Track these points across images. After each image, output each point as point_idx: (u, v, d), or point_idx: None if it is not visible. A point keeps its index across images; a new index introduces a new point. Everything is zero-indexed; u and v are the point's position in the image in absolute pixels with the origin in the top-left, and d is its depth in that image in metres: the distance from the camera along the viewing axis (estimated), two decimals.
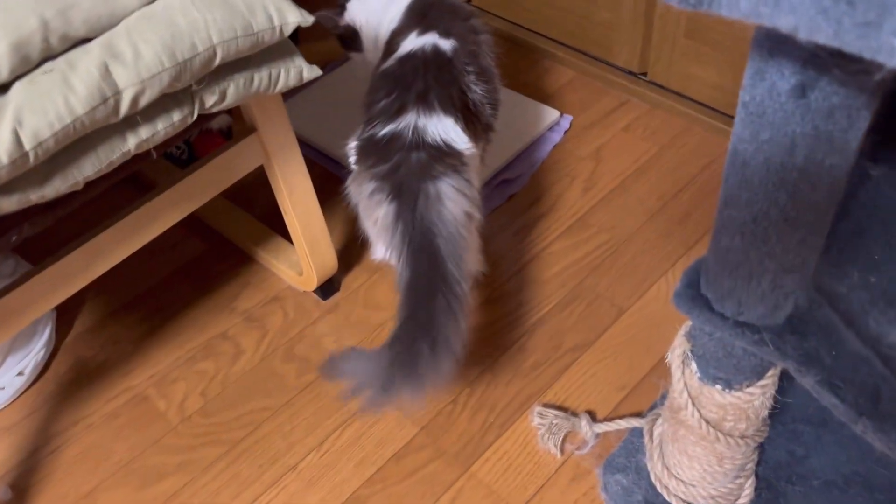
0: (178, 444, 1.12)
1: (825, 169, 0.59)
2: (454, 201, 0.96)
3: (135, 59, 0.74)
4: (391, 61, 1.08)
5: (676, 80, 1.51)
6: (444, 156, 0.97)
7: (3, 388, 1.17)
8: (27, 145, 0.70)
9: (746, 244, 0.66)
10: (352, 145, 1.05)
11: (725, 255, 0.68)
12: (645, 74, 1.57)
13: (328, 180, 1.48)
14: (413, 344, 0.89)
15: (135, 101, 0.75)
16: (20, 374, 1.19)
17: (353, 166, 1.04)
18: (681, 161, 1.46)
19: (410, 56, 1.06)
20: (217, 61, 0.80)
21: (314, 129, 1.55)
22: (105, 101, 0.73)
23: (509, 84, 1.63)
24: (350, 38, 1.27)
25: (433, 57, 1.06)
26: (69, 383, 1.21)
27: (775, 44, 0.54)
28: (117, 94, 0.74)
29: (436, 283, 0.91)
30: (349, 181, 1.04)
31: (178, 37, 0.76)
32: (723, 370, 0.79)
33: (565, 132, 1.54)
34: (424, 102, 1.00)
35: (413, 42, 1.09)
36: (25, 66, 0.71)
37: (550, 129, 1.54)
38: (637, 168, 1.46)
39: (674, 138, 1.50)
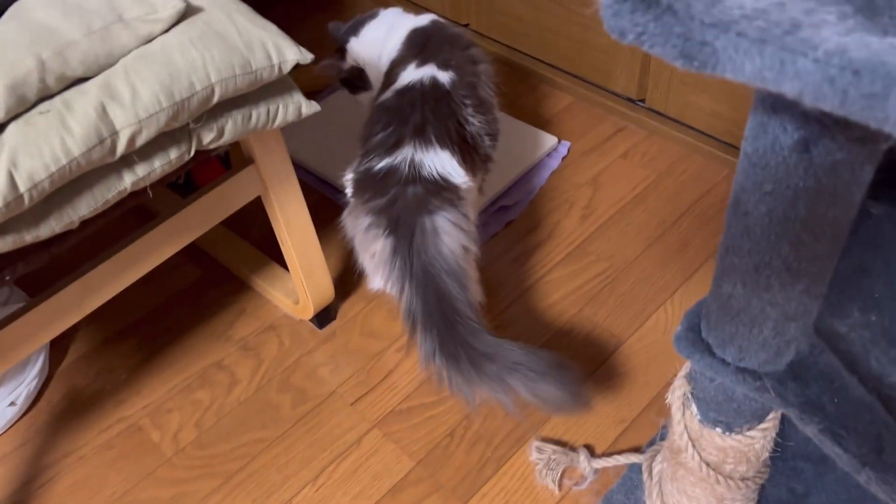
0: (172, 476, 1.11)
1: (828, 221, 0.58)
2: (451, 235, 0.95)
3: (132, 99, 0.74)
4: (389, 93, 1.08)
5: (675, 106, 1.52)
6: (441, 190, 0.97)
7: None
8: (22, 187, 0.69)
9: (748, 292, 0.65)
10: (348, 177, 1.05)
11: (727, 302, 0.68)
12: (643, 101, 1.57)
13: (325, 206, 1.47)
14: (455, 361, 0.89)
15: (132, 140, 0.75)
16: (12, 404, 1.17)
17: (350, 199, 1.04)
18: (679, 188, 1.45)
19: (409, 88, 1.06)
20: (215, 99, 0.80)
21: (311, 154, 1.55)
22: (102, 141, 0.73)
23: (507, 109, 1.63)
24: (357, 79, 1.27)
25: (431, 90, 1.05)
26: (62, 413, 1.20)
27: (779, 98, 0.53)
28: (114, 134, 0.73)
29: (451, 317, 0.91)
30: (345, 214, 1.04)
31: (176, 76, 0.76)
32: (723, 413, 0.78)
33: (563, 158, 1.54)
34: (421, 136, 1.00)
35: (412, 74, 1.09)
36: (22, 107, 0.71)
37: (548, 155, 1.54)
38: (635, 195, 1.45)
39: (672, 165, 1.50)
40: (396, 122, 1.02)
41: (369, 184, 0.99)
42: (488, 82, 1.17)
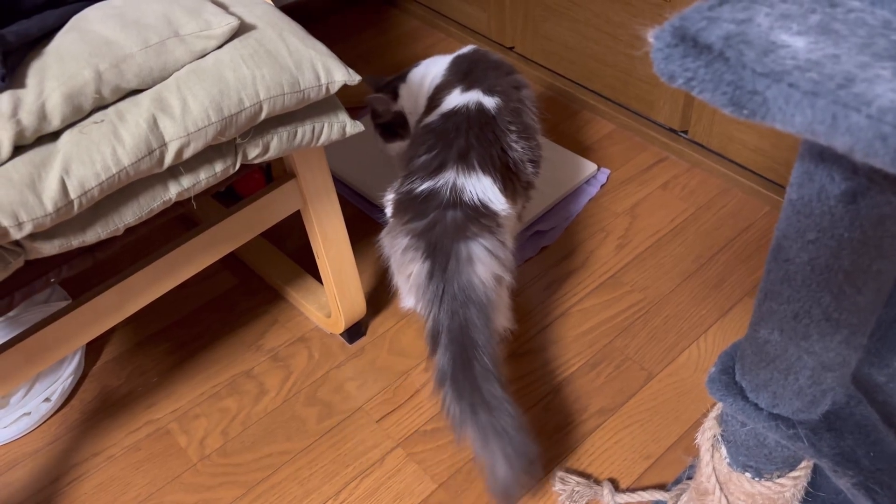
0: (196, 482, 1.12)
1: (872, 273, 0.57)
2: (485, 264, 0.95)
3: (183, 112, 0.75)
4: (434, 116, 1.09)
5: (717, 140, 1.50)
6: (480, 216, 0.97)
7: (30, 414, 1.18)
8: (73, 194, 0.71)
9: (786, 339, 0.64)
10: (388, 197, 1.06)
11: (763, 347, 0.67)
12: (686, 132, 1.56)
13: (362, 221, 1.49)
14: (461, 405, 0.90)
15: (179, 153, 0.76)
16: (47, 400, 1.20)
17: (389, 219, 1.05)
18: (718, 223, 1.44)
19: (454, 112, 1.07)
20: (262, 116, 0.81)
21: (350, 169, 1.56)
22: (151, 152, 0.74)
23: (548, 135, 1.63)
24: (399, 126, 1.29)
25: (477, 115, 1.06)
26: (93, 412, 1.22)
27: (827, 149, 0.53)
28: (163, 146, 0.75)
29: (469, 349, 0.91)
30: (384, 233, 1.04)
31: (226, 92, 0.77)
32: (754, 458, 0.77)
33: (602, 186, 1.53)
34: (465, 161, 1.00)
35: (457, 98, 1.10)
36: (77, 116, 0.73)
37: (587, 181, 1.53)
38: (673, 227, 1.44)
39: (712, 199, 1.49)
40: (441, 146, 1.03)
41: (410, 206, 1.00)
42: (532, 108, 1.18)
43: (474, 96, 1.09)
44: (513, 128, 1.08)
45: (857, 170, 0.52)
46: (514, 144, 1.07)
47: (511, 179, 1.05)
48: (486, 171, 1.00)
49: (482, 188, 0.99)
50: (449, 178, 0.99)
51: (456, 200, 0.97)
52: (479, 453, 0.90)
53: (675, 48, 0.46)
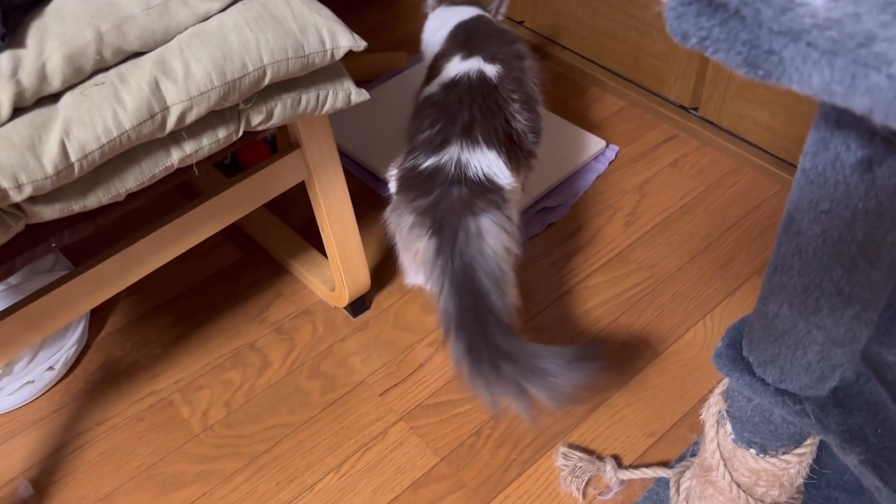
0: (198, 453, 1.12)
1: (886, 246, 0.56)
2: (495, 238, 0.94)
3: (185, 76, 0.74)
4: (434, 86, 1.07)
5: (728, 117, 1.48)
6: (486, 191, 0.96)
7: (33, 382, 1.18)
8: (73, 157, 0.70)
9: (795, 313, 0.63)
10: (392, 173, 1.04)
11: (772, 322, 0.66)
12: (696, 109, 1.54)
13: (367, 195, 1.48)
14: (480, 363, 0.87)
15: (182, 117, 0.75)
16: (50, 368, 1.20)
17: (394, 196, 1.03)
18: (728, 202, 1.42)
19: (455, 83, 1.05)
20: (266, 81, 0.80)
21: (357, 143, 1.55)
22: (153, 116, 0.73)
23: (556, 110, 1.61)
24: None
25: (479, 84, 1.04)
26: (97, 382, 1.22)
27: (843, 114, 0.51)
28: (165, 110, 0.74)
29: (485, 317, 0.90)
30: (389, 211, 1.03)
31: (230, 56, 0.76)
32: (759, 435, 0.76)
33: (610, 163, 1.51)
34: (469, 135, 0.99)
35: (457, 67, 1.08)
36: (78, 78, 0.72)
37: (595, 158, 1.52)
38: (682, 206, 1.43)
39: (722, 178, 1.47)
40: (444, 120, 1.01)
41: (414, 182, 0.98)
42: (534, 78, 1.16)
43: (475, 64, 1.07)
44: (515, 97, 1.06)
45: (875, 137, 0.51)
46: (517, 115, 1.06)
47: (515, 151, 1.04)
48: (490, 144, 0.99)
49: (487, 162, 0.97)
50: (453, 153, 0.97)
51: (461, 176, 0.96)
52: (522, 406, 0.87)
53: (689, 6, 0.44)
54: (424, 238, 0.94)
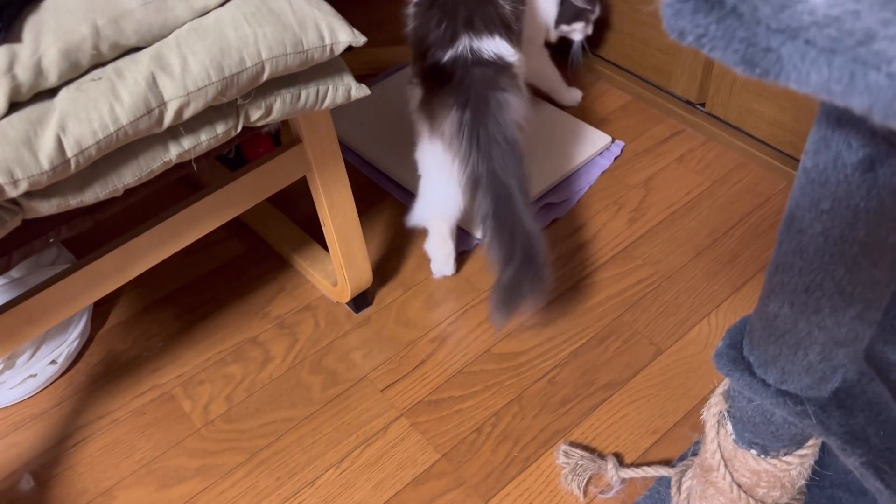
0: (199, 447, 1.12)
1: (888, 245, 0.55)
2: (515, 111, 1.09)
3: (182, 71, 0.74)
4: None
5: (735, 113, 1.47)
6: (503, 71, 1.11)
7: (35, 376, 1.19)
8: (69, 152, 0.69)
9: (796, 313, 0.62)
10: (415, 81, 1.16)
11: (773, 321, 0.65)
12: (703, 105, 1.53)
13: (370, 190, 1.47)
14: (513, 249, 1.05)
15: (179, 112, 0.75)
16: (53, 362, 1.20)
17: (419, 91, 1.15)
18: (734, 198, 1.41)
19: None
20: (265, 77, 0.79)
21: (360, 137, 1.55)
22: (150, 111, 0.73)
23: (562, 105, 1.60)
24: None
25: None
26: (99, 375, 1.23)
27: (845, 113, 0.50)
28: (162, 105, 0.74)
29: (509, 184, 1.06)
30: (416, 105, 1.16)
31: (227, 51, 0.75)
32: (760, 435, 0.75)
33: (616, 158, 1.50)
34: (472, 26, 1.11)
35: None
36: (74, 72, 0.71)
37: (601, 153, 1.51)
38: (688, 201, 1.41)
39: (728, 173, 1.46)
40: (447, 18, 1.11)
41: (440, 72, 1.10)
42: None
43: None
44: None
45: (876, 136, 0.50)
46: (501, 2, 1.15)
47: (511, 31, 1.15)
48: (492, 30, 1.11)
49: (495, 45, 1.11)
50: (465, 42, 1.10)
51: (478, 59, 1.09)
52: (516, 271, 1.05)
53: (686, 3, 0.43)
54: (454, 111, 1.08)
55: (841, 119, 0.50)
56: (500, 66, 1.10)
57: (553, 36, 1.52)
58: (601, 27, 1.61)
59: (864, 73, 0.38)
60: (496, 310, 1.07)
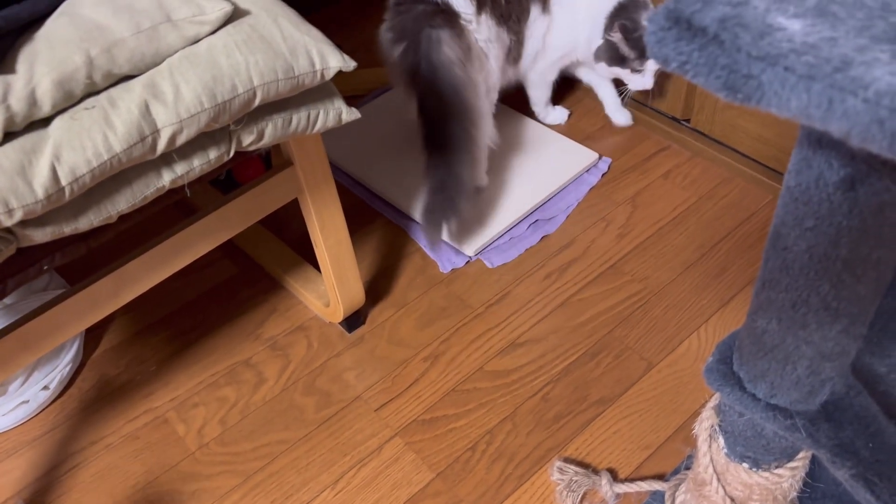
0: (194, 471, 1.12)
1: (871, 262, 0.57)
2: (450, 47, 1.22)
3: (175, 98, 0.74)
4: None
5: (720, 128, 1.49)
6: (443, 13, 1.25)
7: (28, 402, 1.18)
8: (64, 181, 0.70)
9: (784, 329, 0.63)
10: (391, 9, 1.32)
11: (761, 337, 0.66)
12: (688, 121, 1.55)
13: (360, 209, 1.48)
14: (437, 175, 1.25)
15: (172, 139, 0.76)
16: (45, 388, 1.20)
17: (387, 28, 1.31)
18: (720, 212, 1.43)
19: None
20: (256, 102, 0.80)
21: (350, 158, 1.56)
22: (143, 139, 0.74)
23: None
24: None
25: None
26: (92, 401, 1.22)
27: (825, 134, 0.52)
28: (155, 132, 0.74)
29: (445, 114, 1.24)
30: (382, 31, 1.32)
31: (219, 78, 0.76)
32: (751, 449, 0.76)
33: (603, 175, 1.52)
34: None
35: None
36: (68, 102, 0.72)
37: (588, 170, 1.52)
38: (674, 217, 1.43)
39: (714, 188, 1.47)
40: None
41: (396, 11, 1.29)
42: None
43: None
44: None
45: (856, 156, 0.51)
46: None
47: None
48: None
49: None
50: None
51: (426, 1, 1.26)
52: (431, 198, 1.26)
53: (669, 31, 0.45)
54: (397, 45, 1.27)
55: (822, 140, 0.52)
56: (443, 10, 1.25)
57: (600, 70, 1.50)
58: None
59: (842, 99, 0.39)
60: (422, 232, 1.29)
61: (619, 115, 1.61)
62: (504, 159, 1.53)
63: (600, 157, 1.54)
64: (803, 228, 0.57)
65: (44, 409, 1.21)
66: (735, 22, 0.44)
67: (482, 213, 1.43)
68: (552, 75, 1.55)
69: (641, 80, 1.46)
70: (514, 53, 1.42)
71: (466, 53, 1.26)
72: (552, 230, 1.42)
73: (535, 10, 1.39)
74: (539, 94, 1.58)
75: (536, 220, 1.44)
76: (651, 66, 1.42)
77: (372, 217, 1.47)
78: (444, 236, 1.31)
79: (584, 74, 1.63)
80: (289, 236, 1.43)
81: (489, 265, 1.37)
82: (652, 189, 1.49)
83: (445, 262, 1.38)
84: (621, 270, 1.35)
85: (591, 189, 1.50)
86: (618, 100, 1.60)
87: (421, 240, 1.42)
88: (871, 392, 0.74)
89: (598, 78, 1.60)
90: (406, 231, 1.44)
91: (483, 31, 1.30)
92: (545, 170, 1.50)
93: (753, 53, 0.42)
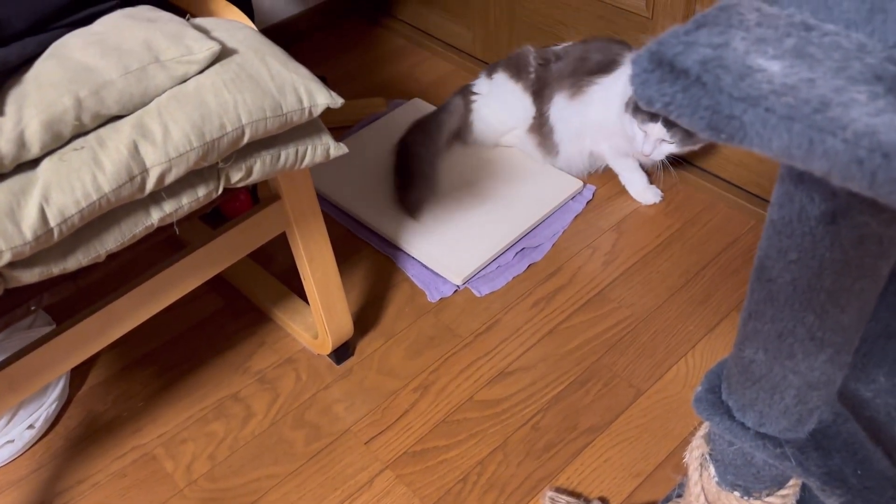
0: None
1: (854, 293, 0.58)
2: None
3: (164, 138, 0.75)
4: None
5: (702, 154, 1.51)
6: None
7: (13, 441, 1.17)
8: (52, 222, 0.70)
9: (770, 359, 0.64)
10: None
11: (748, 367, 0.67)
12: None
13: (348, 240, 1.48)
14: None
15: (161, 178, 0.76)
16: (31, 426, 1.18)
17: None
18: (704, 238, 1.44)
19: None
20: (245, 140, 0.81)
21: (337, 188, 1.56)
22: (132, 178, 0.74)
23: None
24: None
25: None
26: (78, 439, 1.21)
27: (806, 171, 0.53)
28: (144, 172, 0.75)
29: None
30: None
31: (208, 117, 0.77)
32: (742, 477, 0.76)
33: (587, 202, 1.54)
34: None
35: None
36: (57, 143, 0.72)
37: (573, 198, 1.54)
38: (659, 243, 1.44)
39: (697, 214, 1.49)
40: None
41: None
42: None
43: None
44: None
45: (837, 191, 0.52)
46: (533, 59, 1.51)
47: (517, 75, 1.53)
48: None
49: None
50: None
51: None
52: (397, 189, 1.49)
53: (652, 73, 0.46)
54: None
55: (803, 176, 0.53)
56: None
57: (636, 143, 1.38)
58: None
59: (822, 139, 0.40)
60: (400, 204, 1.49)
61: (649, 195, 1.53)
62: (490, 188, 1.54)
63: (585, 185, 1.56)
64: (787, 261, 0.58)
65: (29, 449, 1.19)
66: (716, 64, 0.45)
67: (469, 241, 1.44)
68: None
69: (642, 141, 1.36)
70: None
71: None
72: (539, 258, 1.43)
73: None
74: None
75: (523, 248, 1.45)
76: (652, 131, 1.33)
77: (359, 247, 1.47)
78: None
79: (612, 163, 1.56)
80: (276, 268, 1.43)
81: (477, 294, 1.38)
82: (636, 216, 1.50)
83: (433, 291, 1.38)
84: (608, 297, 1.36)
85: (576, 217, 1.51)
86: (645, 180, 1.53)
87: (409, 269, 1.42)
88: (857, 417, 0.75)
89: (623, 161, 1.53)
90: (393, 260, 1.44)
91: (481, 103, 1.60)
92: (531, 198, 1.52)
93: (735, 94, 0.43)
